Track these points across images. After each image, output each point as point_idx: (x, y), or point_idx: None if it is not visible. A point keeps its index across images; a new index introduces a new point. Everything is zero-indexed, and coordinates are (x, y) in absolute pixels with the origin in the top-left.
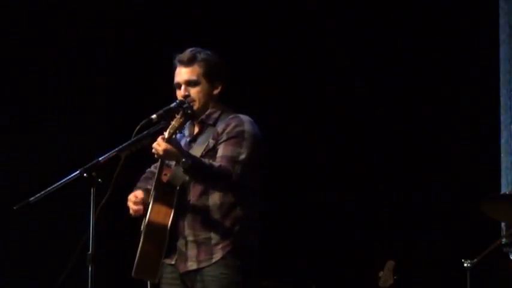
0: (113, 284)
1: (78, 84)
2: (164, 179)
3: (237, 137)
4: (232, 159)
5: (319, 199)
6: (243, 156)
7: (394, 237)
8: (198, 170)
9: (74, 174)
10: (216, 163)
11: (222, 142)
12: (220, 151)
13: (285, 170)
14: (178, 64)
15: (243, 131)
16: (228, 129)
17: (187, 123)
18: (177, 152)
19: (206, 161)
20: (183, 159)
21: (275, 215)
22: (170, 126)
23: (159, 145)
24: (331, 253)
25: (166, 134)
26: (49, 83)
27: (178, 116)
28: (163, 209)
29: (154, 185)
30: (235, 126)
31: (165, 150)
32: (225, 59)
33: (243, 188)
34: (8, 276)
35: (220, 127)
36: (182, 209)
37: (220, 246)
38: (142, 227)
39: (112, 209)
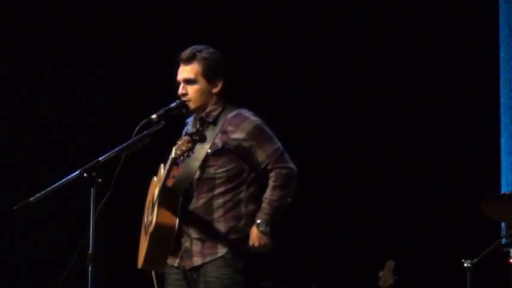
0: (113, 284)
1: (78, 84)
2: (170, 182)
3: (262, 131)
4: (277, 152)
5: (319, 199)
6: (279, 144)
7: (394, 237)
8: (278, 214)
9: (74, 174)
10: (272, 185)
11: (253, 145)
12: (262, 152)
13: None
14: (180, 62)
15: (258, 124)
16: (247, 130)
17: (192, 121)
18: (265, 233)
19: (265, 204)
20: (268, 229)
21: None
22: (177, 147)
23: (260, 244)
24: (331, 253)
25: (172, 153)
26: (49, 83)
27: (186, 140)
28: (168, 214)
29: (160, 190)
30: (249, 122)
31: (266, 245)
32: (227, 56)
33: (254, 183)
34: (8, 276)
35: (230, 128)
36: (187, 210)
37: (224, 242)
38: (145, 221)
39: (112, 209)
